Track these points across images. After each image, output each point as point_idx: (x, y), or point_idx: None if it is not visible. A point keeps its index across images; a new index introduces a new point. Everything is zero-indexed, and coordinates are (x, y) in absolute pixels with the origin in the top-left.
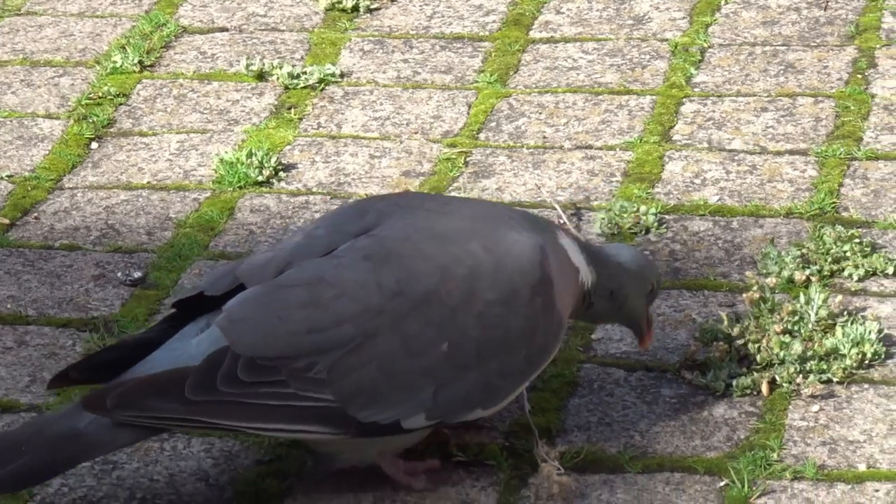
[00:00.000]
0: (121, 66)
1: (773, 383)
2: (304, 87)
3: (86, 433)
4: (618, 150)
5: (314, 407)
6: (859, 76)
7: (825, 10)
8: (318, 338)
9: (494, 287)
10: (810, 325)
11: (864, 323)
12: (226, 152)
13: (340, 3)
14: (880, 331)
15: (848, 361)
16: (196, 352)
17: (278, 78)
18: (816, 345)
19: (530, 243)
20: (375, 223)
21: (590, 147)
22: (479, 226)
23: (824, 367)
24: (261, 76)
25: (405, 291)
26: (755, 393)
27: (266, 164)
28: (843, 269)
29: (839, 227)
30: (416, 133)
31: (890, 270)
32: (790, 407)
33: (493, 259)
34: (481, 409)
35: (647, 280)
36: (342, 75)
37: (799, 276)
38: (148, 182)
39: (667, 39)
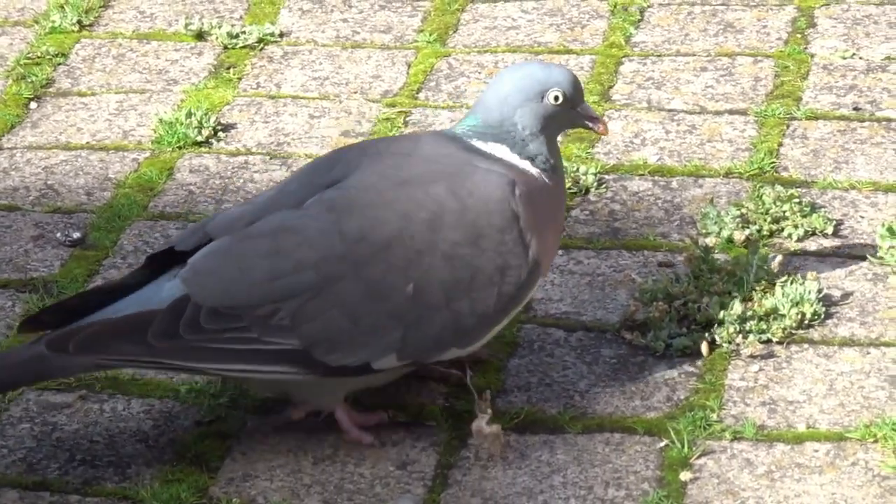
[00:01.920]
0: (59, 25)
1: (712, 343)
2: (244, 47)
3: (49, 358)
4: None
5: (280, 351)
6: (798, 36)
7: None
8: (280, 284)
9: (459, 228)
10: (750, 285)
11: (803, 283)
12: (165, 112)
13: None
14: (819, 290)
15: (787, 321)
16: (162, 299)
17: (217, 37)
18: (756, 305)
19: (497, 181)
20: (344, 174)
21: None
22: (445, 167)
23: (764, 327)
24: (200, 36)
25: (367, 237)
26: (695, 353)
27: (205, 124)
28: (783, 229)
29: (778, 187)
30: (355, 93)
31: (829, 230)
32: (730, 367)
33: (458, 200)
34: (457, 349)
35: (539, 98)
36: (281, 35)
37: (738, 236)
38: (87, 142)
39: None
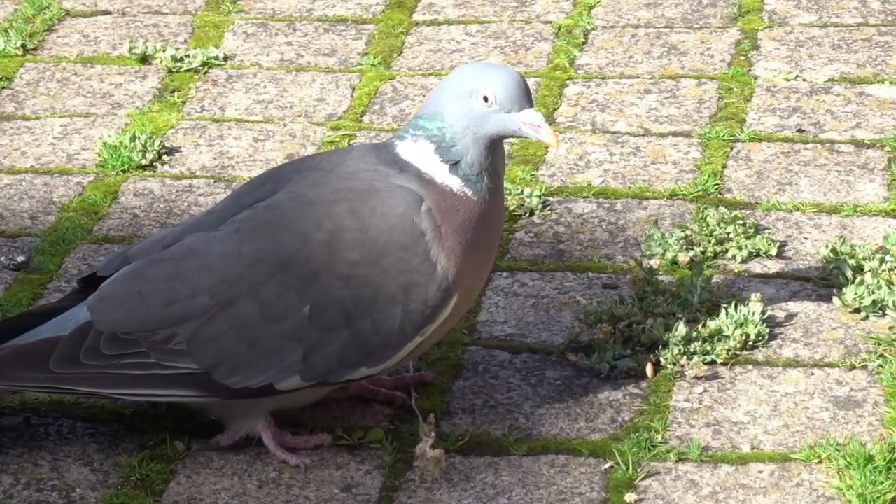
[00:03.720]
0: (3, 49)
1: (657, 365)
2: (188, 71)
3: None
4: None
5: (181, 374)
6: (742, 58)
7: None
8: (175, 309)
9: (358, 247)
10: (694, 307)
11: (747, 304)
12: (109, 136)
13: None
14: (763, 312)
15: (732, 343)
16: (69, 325)
17: (162, 61)
18: (700, 326)
19: (402, 199)
20: (272, 192)
21: None
22: (356, 183)
23: (708, 348)
24: (144, 59)
25: (264, 258)
26: (639, 375)
27: (150, 148)
28: (727, 251)
29: (722, 209)
30: (299, 116)
31: (773, 252)
32: (674, 388)
33: (358, 219)
34: (366, 368)
35: (465, 98)
36: (226, 58)
37: (683, 258)
38: (31, 166)
39: (550, 21)
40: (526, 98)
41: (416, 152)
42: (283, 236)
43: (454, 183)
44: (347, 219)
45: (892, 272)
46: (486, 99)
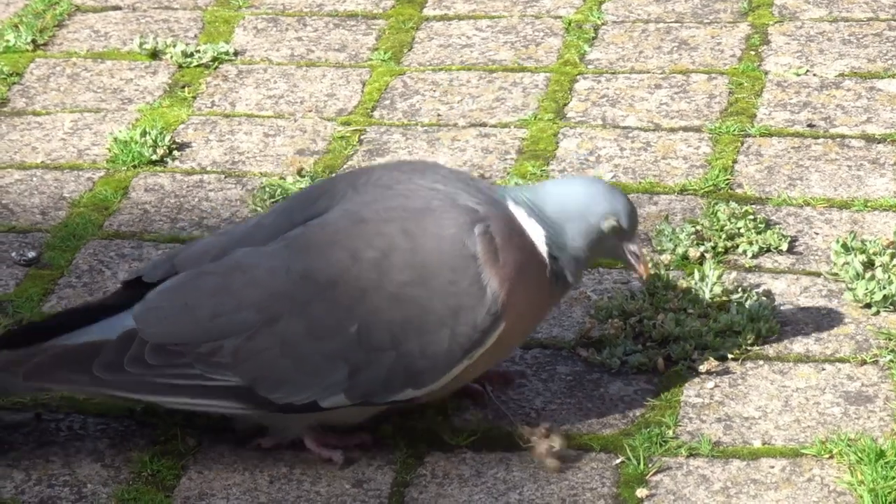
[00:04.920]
0: (13, 44)
1: (668, 360)
2: (198, 66)
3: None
4: (512, 127)
5: (225, 387)
6: (752, 53)
7: None
8: (221, 322)
9: (408, 268)
10: (705, 302)
11: (758, 299)
12: (119, 131)
13: None
14: (774, 307)
15: (743, 338)
16: (114, 331)
17: (172, 56)
18: (711, 321)
19: (455, 220)
20: (326, 208)
21: (484, 125)
22: (411, 204)
23: (719, 343)
24: (154, 55)
25: (312, 276)
26: (651, 370)
27: (160, 143)
28: (738, 246)
29: (733, 204)
30: (310, 111)
31: (784, 247)
32: (685, 384)
33: (409, 239)
34: (412, 389)
35: (593, 223)
36: (236, 53)
37: (693, 253)
38: (42, 161)
39: (560, 16)
40: (636, 230)
41: (523, 214)
42: (332, 254)
43: (539, 236)
44: (398, 238)
45: None
46: (611, 228)
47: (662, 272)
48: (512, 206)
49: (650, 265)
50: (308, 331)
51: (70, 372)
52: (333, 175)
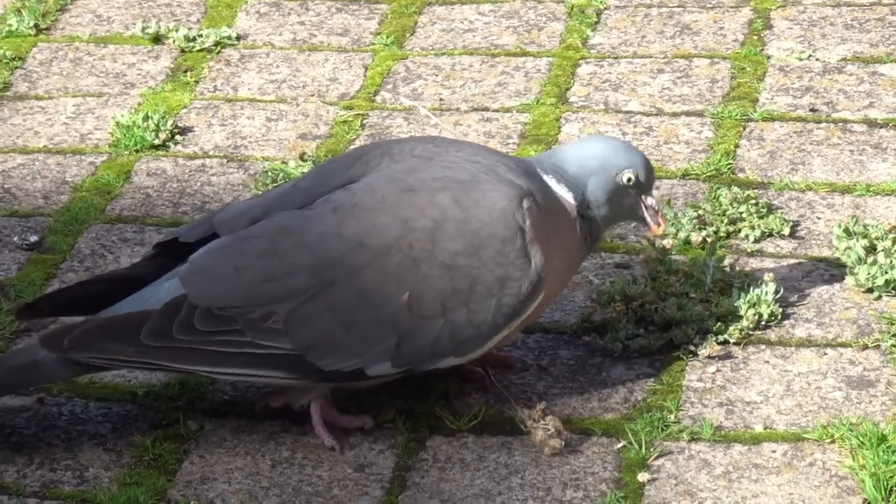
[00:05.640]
0: (16, 29)
1: (670, 344)
2: (201, 50)
3: (43, 363)
4: (514, 112)
5: (273, 354)
6: (755, 37)
7: None
8: (273, 287)
9: (460, 238)
10: (707, 287)
11: (760, 284)
12: (122, 116)
13: None
14: (776, 292)
15: (745, 322)
16: (160, 298)
17: (174, 41)
18: (713, 306)
19: (505, 193)
20: (362, 174)
21: (486, 109)
22: (457, 175)
23: (721, 328)
24: (157, 39)
25: (365, 243)
26: (652, 354)
27: (162, 128)
28: (740, 231)
29: (735, 189)
30: (312, 96)
31: (786, 231)
32: (687, 368)
33: (461, 209)
34: (454, 357)
35: (611, 176)
36: (238, 38)
37: (695, 238)
38: (44, 146)
39: (563, 1)
40: (652, 185)
41: (554, 182)
42: (384, 221)
43: (569, 200)
44: (451, 208)
45: None
46: (629, 180)
47: (664, 256)
48: (545, 177)
49: (667, 223)
50: (360, 298)
51: (115, 342)
52: (363, 144)
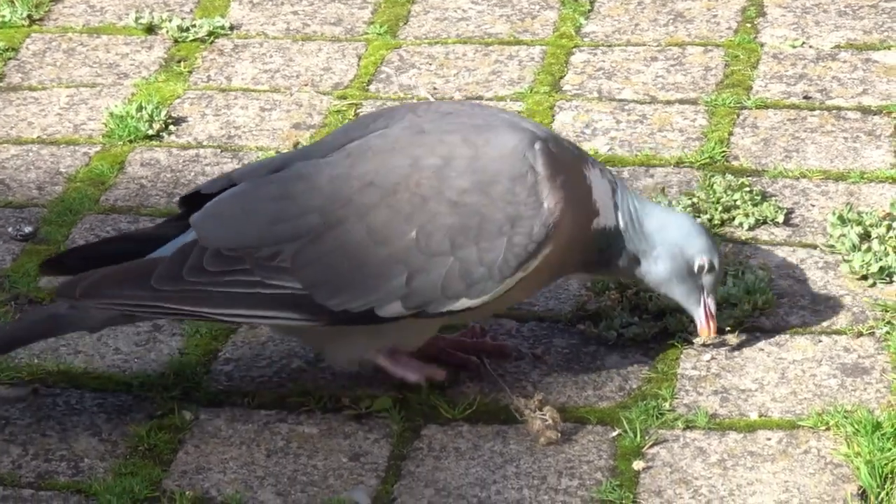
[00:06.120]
0: (9, 20)
1: (664, 332)
2: (194, 40)
3: (63, 315)
4: (508, 100)
5: (282, 294)
6: (748, 25)
7: None
8: (282, 227)
9: (468, 174)
10: None
11: (754, 272)
12: (116, 106)
13: None
14: (771, 279)
15: (739, 310)
16: (172, 246)
17: (168, 31)
18: None
19: (516, 134)
20: (382, 127)
21: (480, 98)
22: (474, 123)
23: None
24: (150, 29)
25: (374, 182)
26: (647, 342)
27: (156, 118)
28: (734, 218)
29: (729, 176)
30: (306, 85)
31: (780, 219)
32: (682, 356)
33: (471, 148)
34: (466, 299)
35: (688, 254)
36: (232, 28)
37: None
38: (38, 136)
39: None
40: (718, 282)
41: (593, 172)
42: (393, 160)
43: (605, 201)
44: (460, 147)
45: None
46: (701, 268)
47: None
48: (591, 173)
49: (716, 328)
50: (369, 235)
51: (128, 288)
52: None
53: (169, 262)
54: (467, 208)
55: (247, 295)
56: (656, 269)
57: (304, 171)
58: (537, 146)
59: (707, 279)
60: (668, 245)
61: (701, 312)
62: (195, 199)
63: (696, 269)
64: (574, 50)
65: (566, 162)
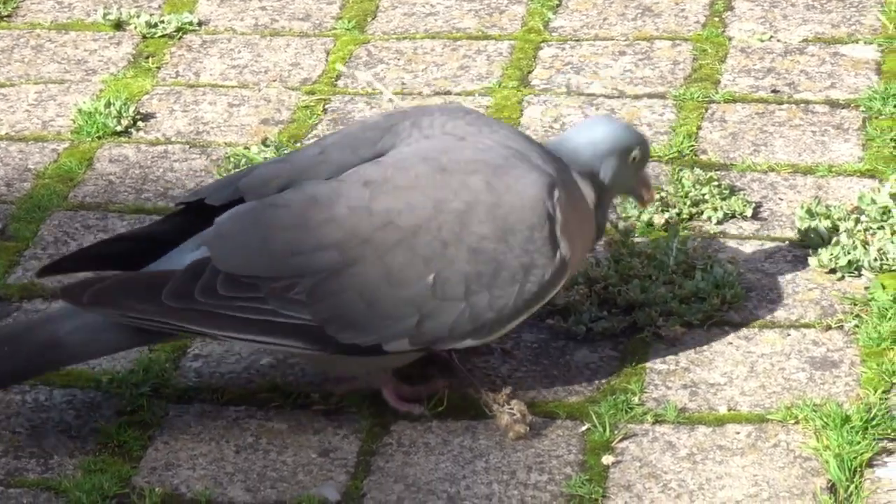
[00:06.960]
0: None
1: (633, 327)
2: (162, 36)
3: (65, 343)
4: (476, 95)
5: (292, 324)
6: (716, 19)
7: None
8: (299, 260)
9: (489, 222)
10: (670, 269)
11: (723, 266)
12: (84, 102)
13: None
14: (739, 273)
15: (708, 304)
16: (184, 260)
17: (136, 27)
18: (676, 288)
19: (537, 180)
20: (391, 146)
21: (448, 93)
22: (489, 157)
23: (685, 310)
24: (118, 25)
25: (395, 221)
26: (616, 336)
27: (124, 114)
28: (703, 212)
29: (698, 170)
30: (274, 81)
31: (748, 213)
32: (651, 350)
33: (493, 194)
34: (472, 340)
35: (626, 154)
36: (200, 24)
37: (658, 220)
38: (6, 133)
39: None
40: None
41: (577, 174)
42: (415, 200)
43: (590, 193)
44: (483, 192)
45: (867, 232)
46: (634, 159)
47: (627, 238)
48: (570, 168)
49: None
50: (386, 276)
51: (138, 300)
52: (386, 113)
53: (180, 279)
54: (485, 255)
55: (257, 321)
56: (607, 187)
57: (319, 196)
58: (556, 194)
59: (642, 163)
60: (605, 162)
61: (641, 190)
62: (195, 200)
63: (632, 163)
64: (542, 45)
65: (572, 194)
